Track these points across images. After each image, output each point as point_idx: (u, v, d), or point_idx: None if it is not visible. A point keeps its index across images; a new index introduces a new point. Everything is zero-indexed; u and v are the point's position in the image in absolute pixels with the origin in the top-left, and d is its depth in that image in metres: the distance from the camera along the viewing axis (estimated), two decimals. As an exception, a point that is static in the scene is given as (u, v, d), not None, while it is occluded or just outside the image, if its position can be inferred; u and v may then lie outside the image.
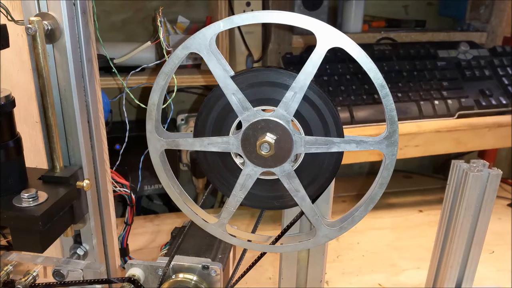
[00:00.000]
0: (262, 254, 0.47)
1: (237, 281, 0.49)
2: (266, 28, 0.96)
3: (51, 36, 0.42)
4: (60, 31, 0.42)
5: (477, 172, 0.55)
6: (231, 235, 0.45)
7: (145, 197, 1.12)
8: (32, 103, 0.47)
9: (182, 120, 1.01)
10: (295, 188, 0.41)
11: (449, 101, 0.89)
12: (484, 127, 0.87)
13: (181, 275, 0.47)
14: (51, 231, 0.43)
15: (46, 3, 0.42)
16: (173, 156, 0.98)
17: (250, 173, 0.42)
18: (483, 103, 0.90)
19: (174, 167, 0.46)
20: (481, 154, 1.12)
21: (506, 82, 0.94)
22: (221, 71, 0.39)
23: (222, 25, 0.37)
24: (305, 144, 0.40)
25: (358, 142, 0.40)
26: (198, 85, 1.00)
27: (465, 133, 0.87)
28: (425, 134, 0.85)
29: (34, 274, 0.47)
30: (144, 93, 0.87)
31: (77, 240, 0.51)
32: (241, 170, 0.42)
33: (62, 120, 0.46)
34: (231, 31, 0.93)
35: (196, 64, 0.93)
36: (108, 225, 0.51)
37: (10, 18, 0.42)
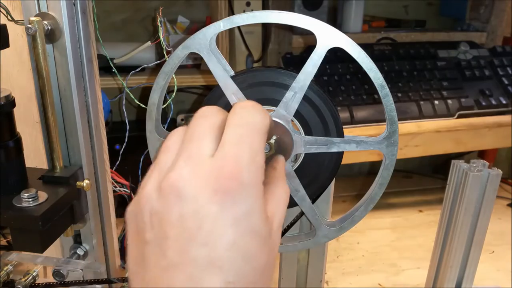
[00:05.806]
0: (262, 254, 0.47)
1: (237, 281, 0.49)
2: (266, 28, 0.96)
3: (51, 36, 0.42)
4: (60, 31, 0.42)
5: (477, 172, 0.55)
6: (231, 235, 0.45)
7: (145, 197, 1.11)
8: (32, 103, 0.47)
9: (182, 120, 1.01)
10: (295, 188, 0.41)
11: (449, 101, 0.89)
12: (484, 127, 0.87)
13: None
14: (51, 231, 0.43)
15: (46, 3, 0.42)
16: (173, 156, 0.98)
17: (250, 173, 0.41)
18: (483, 103, 0.90)
19: (174, 167, 0.46)
20: (481, 154, 1.12)
21: (506, 82, 0.94)
22: (221, 71, 0.39)
23: (222, 25, 0.37)
24: (305, 144, 0.40)
25: (358, 142, 0.40)
26: (198, 85, 1.00)
27: (465, 133, 0.87)
28: (425, 134, 0.85)
29: (34, 274, 0.47)
30: (144, 93, 0.87)
31: (77, 240, 0.51)
32: (241, 170, 0.42)
33: (62, 120, 0.45)
34: (231, 31, 0.93)
35: (196, 64, 0.93)
36: (108, 225, 0.51)
37: (10, 18, 0.42)
